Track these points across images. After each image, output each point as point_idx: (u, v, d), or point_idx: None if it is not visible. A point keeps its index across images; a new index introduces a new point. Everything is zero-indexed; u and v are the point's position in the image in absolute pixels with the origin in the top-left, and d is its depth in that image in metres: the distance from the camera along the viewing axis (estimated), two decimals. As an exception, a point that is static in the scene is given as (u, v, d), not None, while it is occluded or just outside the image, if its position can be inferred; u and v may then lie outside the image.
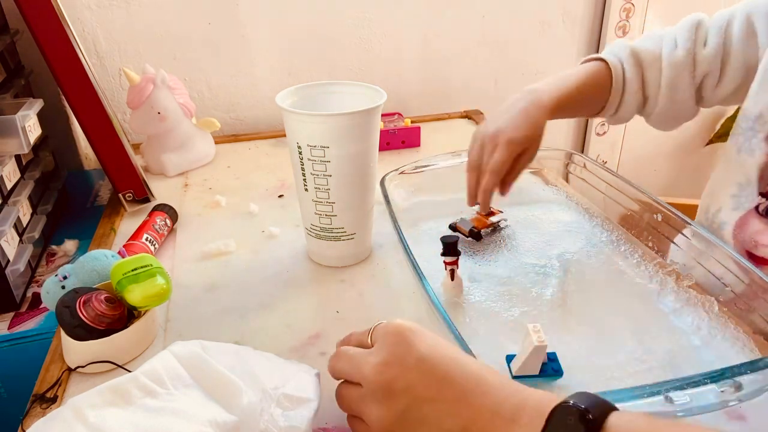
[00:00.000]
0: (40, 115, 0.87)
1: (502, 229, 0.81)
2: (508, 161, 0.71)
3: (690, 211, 1.03)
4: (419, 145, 1.14)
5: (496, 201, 0.76)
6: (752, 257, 0.71)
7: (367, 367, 0.43)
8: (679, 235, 0.69)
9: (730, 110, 1.53)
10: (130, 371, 0.46)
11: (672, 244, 0.71)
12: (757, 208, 0.70)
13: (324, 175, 0.69)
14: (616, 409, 0.36)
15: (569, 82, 0.77)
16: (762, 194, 0.69)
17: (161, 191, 0.96)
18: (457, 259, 0.66)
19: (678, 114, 0.80)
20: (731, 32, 0.74)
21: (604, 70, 0.79)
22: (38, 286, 0.83)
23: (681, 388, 0.45)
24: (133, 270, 0.61)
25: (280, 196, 0.96)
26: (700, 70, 0.76)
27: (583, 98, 0.78)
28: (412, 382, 0.41)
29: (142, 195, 0.91)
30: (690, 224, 0.68)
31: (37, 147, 0.97)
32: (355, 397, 0.45)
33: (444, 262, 0.67)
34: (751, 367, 0.47)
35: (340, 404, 0.48)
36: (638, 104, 0.80)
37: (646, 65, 0.78)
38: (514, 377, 0.55)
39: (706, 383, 0.46)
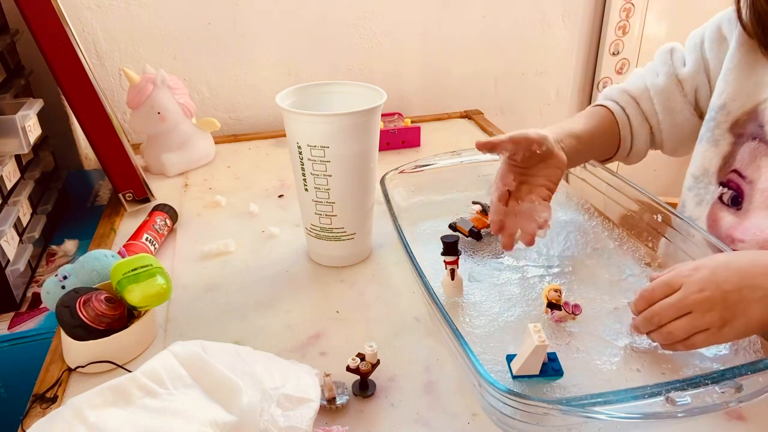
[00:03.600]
0: (40, 115, 0.87)
1: (502, 229, 0.81)
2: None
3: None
4: (419, 145, 1.14)
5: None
6: None
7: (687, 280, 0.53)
8: (679, 235, 0.69)
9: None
10: (130, 371, 0.46)
11: (672, 245, 0.71)
12: (720, 198, 0.70)
13: (324, 175, 0.69)
14: None
15: (574, 124, 0.77)
16: (721, 183, 0.70)
17: (161, 191, 0.96)
18: (457, 259, 0.66)
19: (686, 135, 0.80)
20: (704, 46, 0.76)
21: (604, 110, 0.81)
22: (38, 286, 0.83)
23: (682, 388, 0.45)
24: (133, 270, 0.61)
25: (280, 196, 0.96)
26: (688, 87, 0.77)
27: (593, 137, 0.78)
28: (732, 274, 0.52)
29: (142, 195, 0.91)
30: (691, 224, 0.68)
31: (37, 147, 0.97)
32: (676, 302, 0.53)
33: (444, 261, 0.67)
34: (752, 368, 0.47)
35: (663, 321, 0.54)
36: (647, 135, 0.81)
37: (638, 98, 0.80)
38: (514, 377, 0.55)
39: (706, 384, 0.46)
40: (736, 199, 0.68)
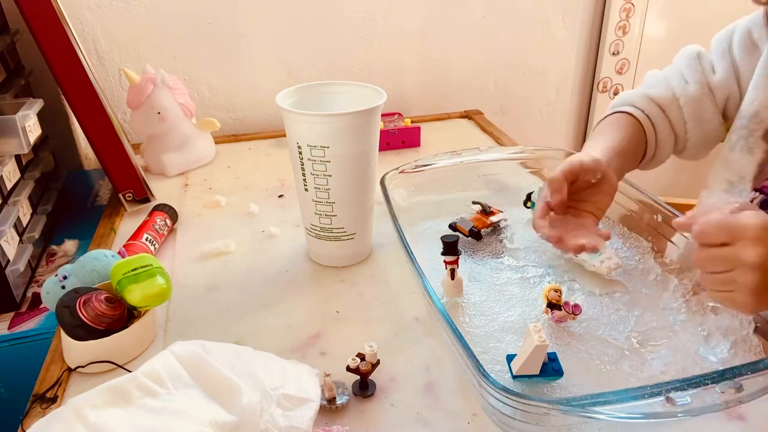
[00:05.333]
0: (40, 115, 0.87)
1: (502, 228, 0.81)
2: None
3: (689, 210, 1.03)
4: (419, 145, 1.14)
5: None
6: None
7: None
8: (678, 235, 0.69)
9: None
10: (130, 371, 0.46)
11: (671, 244, 0.71)
12: (751, 202, 0.69)
13: (324, 175, 0.69)
14: None
15: (614, 139, 0.74)
16: (755, 189, 0.70)
17: (161, 191, 0.96)
18: (457, 259, 0.66)
19: (709, 141, 0.80)
20: (734, 52, 0.74)
21: (631, 120, 0.78)
22: (38, 286, 0.83)
23: (682, 388, 0.45)
24: (133, 270, 0.61)
25: (280, 196, 0.96)
26: (719, 95, 0.76)
27: (630, 152, 0.75)
28: None
29: (142, 195, 0.91)
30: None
31: (37, 147, 0.97)
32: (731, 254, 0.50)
33: (444, 261, 0.66)
34: (752, 368, 0.47)
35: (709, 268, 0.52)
36: (673, 144, 0.80)
37: (666, 106, 0.78)
38: (514, 377, 0.55)
39: (706, 384, 0.46)
40: (765, 203, 0.67)
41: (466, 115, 1.30)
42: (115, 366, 0.59)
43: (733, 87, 0.75)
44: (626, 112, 0.79)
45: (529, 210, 0.83)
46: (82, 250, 0.90)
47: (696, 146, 0.81)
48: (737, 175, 0.71)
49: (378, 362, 0.56)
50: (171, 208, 0.87)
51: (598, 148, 0.70)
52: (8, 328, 0.75)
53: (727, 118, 0.79)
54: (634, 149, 0.76)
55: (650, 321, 0.63)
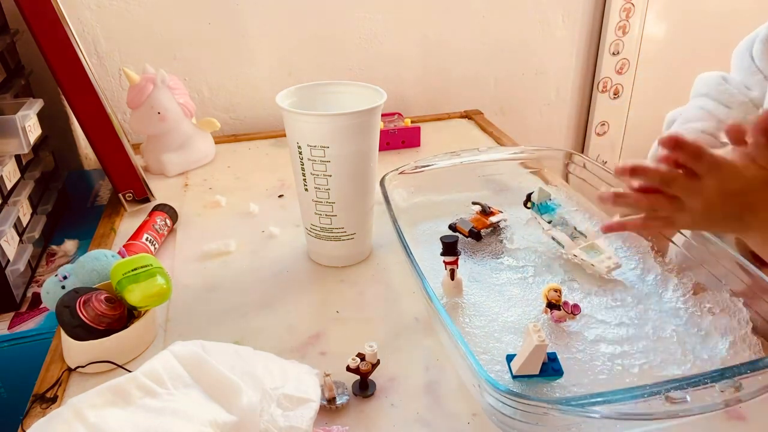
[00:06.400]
0: (40, 115, 0.87)
1: (501, 229, 0.81)
2: None
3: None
4: (419, 145, 1.14)
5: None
6: (756, 258, 0.70)
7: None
8: (679, 235, 0.69)
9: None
10: (130, 371, 0.46)
11: (672, 244, 0.71)
12: None
13: (324, 175, 0.69)
14: None
15: None
16: None
17: (161, 191, 0.96)
18: (457, 259, 0.66)
19: None
20: (760, 65, 0.72)
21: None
22: (38, 286, 0.83)
23: (681, 388, 0.45)
24: (133, 270, 0.61)
25: (280, 196, 0.96)
26: (763, 106, 0.72)
27: None
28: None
29: (142, 195, 0.91)
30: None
31: (37, 147, 0.97)
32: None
33: (444, 262, 0.67)
34: (752, 367, 0.47)
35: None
36: None
37: (719, 137, 0.74)
38: (514, 377, 0.55)
39: (706, 383, 0.46)
40: None
41: (466, 115, 1.30)
42: (115, 366, 0.59)
43: None
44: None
45: (529, 210, 0.83)
46: (82, 250, 0.90)
47: None
48: None
49: (378, 362, 0.56)
50: (171, 208, 0.87)
51: None
52: (8, 328, 0.75)
53: None
54: None
55: (650, 321, 0.63)
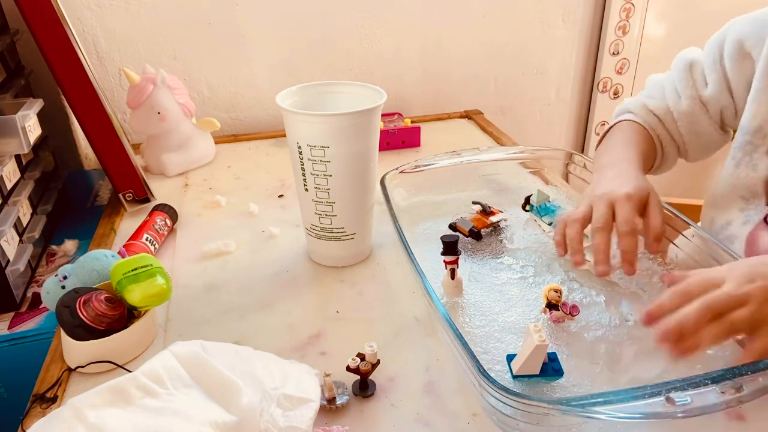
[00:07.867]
0: (40, 115, 0.87)
1: (502, 229, 0.81)
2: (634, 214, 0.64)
3: (689, 210, 1.03)
4: (419, 145, 1.14)
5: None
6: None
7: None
8: (679, 235, 0.69)
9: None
10: (130, 371, 0.46)
11: (672, 244, 0.71)
12: (765, 218, 0.69)
13: (324, 175, 0.69)
14: None
15: (640, 153, 0.75)
16: None
17: (161, 191, 0.96)
18: (457, 259, 0.66)
19: (709, 149, 0.81)
20: (725, 64, 0.74)
21: (642, 129, 0.80)
22: (38, 286, 0.83)
23: (682, 388, 0.45)
24: (133, 270, 0.61)
25: (280, 196, 0.96)
26: (713, 108, 0.76)
27: (646, 155, 0.78)
28: None
29: (142, 195, 0.91)
30: (691, 224, 0.68)
31: (37, 147, 0.97)
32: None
33: (444, 261, 0.67)
34: (752, 368, 0.47)
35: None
36: (675, 151, 0.82)
37: (663, 119, 0.80)
38: (514, 377, 0.55)
39: (707, 384, 0.46)
40: None
41: (466, 115, 1.30)
42: (115, 366, 0.59)
43: (725, 100, 0.75)
44: (635, 122, 0.81)
45: (528, 213, 0.83)
46: (82, 250, 0.90)
47: (696, 153, 0.82)
48: (749, 191, 0.71)
49: (378, 362, 0.56)
50: (171, 208, 0.87)
51: (634, 161, 0.72)
52: (8, 328, 0.75)
53: (725, 125, 0.79)
54: (647, 157, 0.78)
55: (650, 321, 0.63)
